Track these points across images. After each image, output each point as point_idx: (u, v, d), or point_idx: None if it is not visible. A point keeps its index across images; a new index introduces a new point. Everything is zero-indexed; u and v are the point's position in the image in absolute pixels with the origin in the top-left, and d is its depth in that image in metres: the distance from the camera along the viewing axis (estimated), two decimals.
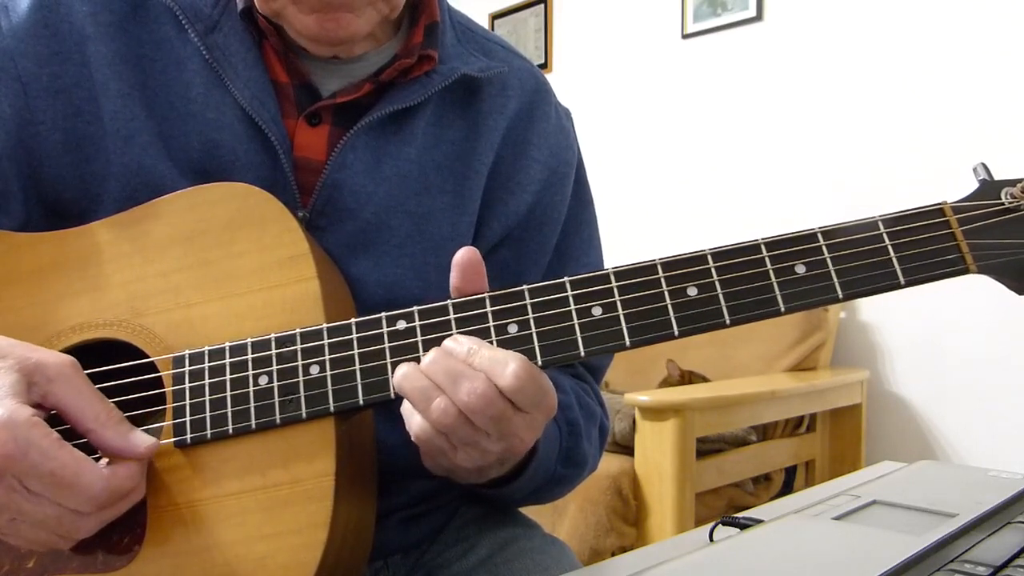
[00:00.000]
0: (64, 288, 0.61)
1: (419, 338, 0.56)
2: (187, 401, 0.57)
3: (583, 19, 3.17)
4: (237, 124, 0.66)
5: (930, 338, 2.30)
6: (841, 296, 0.53)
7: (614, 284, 0.55)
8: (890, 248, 0.53)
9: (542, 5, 3.28)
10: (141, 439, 0.53)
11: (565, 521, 1.82)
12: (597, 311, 0.54)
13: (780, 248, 0.54)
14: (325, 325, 0.57)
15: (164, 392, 0.58)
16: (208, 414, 0.57)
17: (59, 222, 0.65)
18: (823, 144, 2.50)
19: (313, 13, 0.63)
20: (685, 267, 0.54)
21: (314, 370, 0.56)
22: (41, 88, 0.65)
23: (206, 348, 0.58)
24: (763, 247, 0.54)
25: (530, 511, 0.81)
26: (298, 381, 0.56)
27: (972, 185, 0.55)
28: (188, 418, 0.57)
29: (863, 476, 0.72)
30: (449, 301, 0.56)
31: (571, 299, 0.55)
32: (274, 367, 0.57)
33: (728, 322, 0.54)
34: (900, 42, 2.34)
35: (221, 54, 0.67)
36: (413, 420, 0.54)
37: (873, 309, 2.45)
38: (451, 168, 0.72)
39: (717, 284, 0.54)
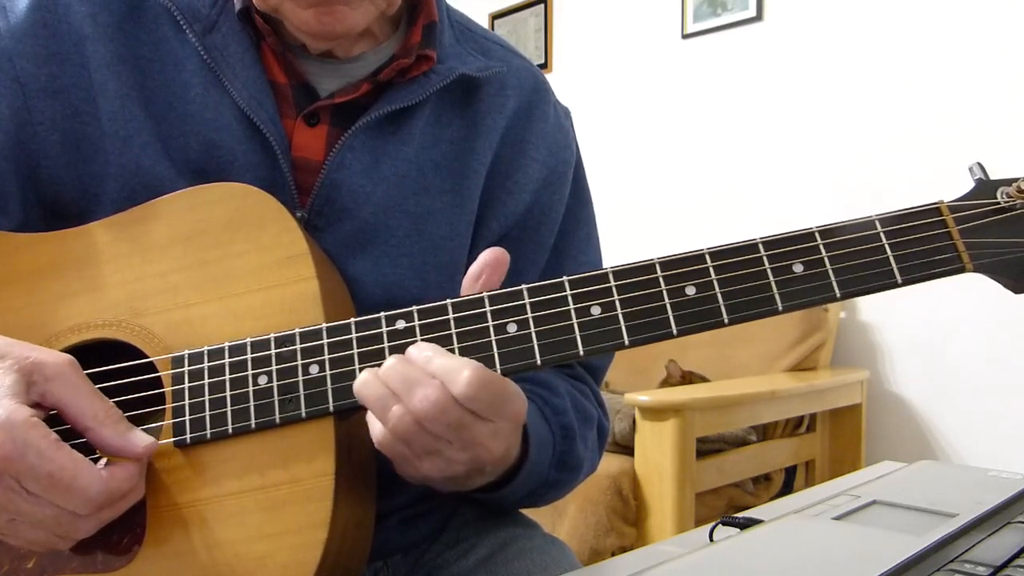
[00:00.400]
0: (63, 288, 0.61)
1: (418, 337, 0.56)
2: (186, 401, 0.57)
3: (583, 19, 3.17)
4: (235, 124, 0.66)
5: (930, 338, 2.30)
6: (838, 295, 0.53)
7: (613, 283, 0.55)
8: (887, 247, 0.53)
9: (542, 5, 3.28)
10: (139, 438, 0.53)
11: (565, 521, 1.82)
12: (596, 310, 0.55)
13: (778, 247, 0.54)
14: (324, 325, 0.57)
15: (163, 392, 0.58)
16: (207, 414, 0.57)
17: (57, 222, 0.65)
18: (822, 144, 2.50)
19: (311, 8, 0.63)
20: (683, 266, 0.54)
21: (313, 370, 0.56)
22: (39, 88, 0.65)
23: (205, 348, 0.58)
24: (761, 246, 0.54)
25: (530, 511, 0.81)
26: (297, 381, 0.56)
27: (968, 185, 0.55)
28: (187, 418, 0.57)
29: (863, 476, 0.72)
30: (448, 301, 0.56)
31: (570, 298, 0.55)
32: (273, 367, 0.57)
33: (726, 321, 0.54)
34: (900, 42, 2.34)
35: (219, 55, 0.67)
36: (374, 427, 0.54)
37: (873, 309, 2.45)
38: (450, 168, 0.72)
39: (715, 283, 0.54)
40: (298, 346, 0.57)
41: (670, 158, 2.87)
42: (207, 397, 0.57)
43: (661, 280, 0.54)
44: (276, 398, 0.56)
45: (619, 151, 2.99)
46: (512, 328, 0.55)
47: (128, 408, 0.58)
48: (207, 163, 0.66)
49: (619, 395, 1.98)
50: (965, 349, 2.22)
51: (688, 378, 2.25)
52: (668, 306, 0.54)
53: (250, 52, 0.67)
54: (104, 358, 0.60)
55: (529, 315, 0.55)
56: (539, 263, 0.77)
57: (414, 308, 0.56)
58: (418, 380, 0.52)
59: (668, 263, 0.55)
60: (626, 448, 1.92)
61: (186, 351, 0.58)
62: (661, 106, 2.90)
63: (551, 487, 0.71)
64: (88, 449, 0.52)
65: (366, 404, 0.54)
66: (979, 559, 0.40)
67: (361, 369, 0.56)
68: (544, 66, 3.24)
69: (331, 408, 0.56)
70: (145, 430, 0.55)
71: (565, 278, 0.55)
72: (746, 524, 0.59)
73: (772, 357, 2.36)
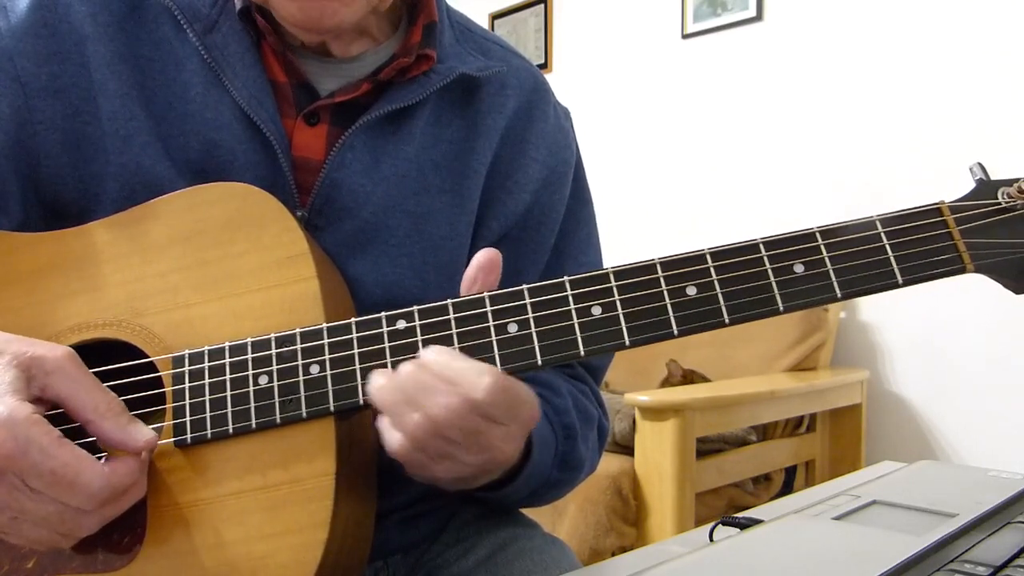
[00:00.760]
0: (63, 288, 0.61)
1: (419, 337, 0.56)
2: (187, 401, 0.57)
3: (583, 19, 3.17)
4: (235, 124, 0.66)
5: (930, 338, 2.30)
6: (839, 295, 0.53)
7: (613, 284, 0.55)
8: (888, 248, 0.53)
9: (542, 5, 3.28)
10: (141, 431, 0.53)
11: (565, 521, 1.82)
12: (597, 311, 0.55)
13: (779, 248, 0.54)
14: (325, 325, 0.57)
15: (164, 392, 0.58)
16: (208, 414, 0.57)
17: (57, 222, 0.65)
18: (822, 144, 2.50)
19: (295, 0, 0.62)
20: (684, 267, 0.54)
21: (314, 370, 0.56)
22: (40, 88, 0.65)
23: (206, 348, 0.58)
24: (762, 247, 0.54)
25: (530, 511, 0.81)
26: (298, 381, 0.56)
27: (969, 185, 0.55)
28: (188, 418, 0.57)
29: (863, 476, 0.72)
30: (449, 301, 0.56)
31: (571, 299, 0.55)
32: (274, 367, 0.57)
33: (727, 321, 0.54)
34: (900, 42, 2.34)
35: (219, 54, 0.67)
36: (391, 436, 0.54)
37: (873, 309, 2.45)
38: (450, 168, 0.72)
39: (716, 283, 0.54)
40: (299, 346, 0.57)
41: (670, 158, 2.87)
42: (208, 397, 0.57)
43: (662, 280, 0.54)
44: (277, 398, 0.56)
45: (619, 151, 2.99)
46: (513, 328, 0.55)
47: (129, 408, 0.58)
48: (207, 162, 0.66)
49: (619, 395, 1.98)
50: (965, 349, 2.22)
51: (689, 377, 2.25)
52: (669, 306, 0.54)
53: (250, 51, 0.67)
54: (104, 358, 0.60)
55: (530, 315, 0.55)
56: (539, 263, 0.77)
57: (415, 308, 0.56)
58: (436, 387, 0.52)
59: (669, 263, 0.55)
60: (626, 448, 1.92)
61: (186, 351, 0.58)
62: (661, 106, 2.90)
63: (553, 487, 0.71)
64: (90, 448, 0.52)
65: (382, 410, 0.54)
66: (979, 559, 0.40)
67: (362, 369, 0.56)
68: (544, 66, 3.24)
69: (332, 408, 0.56)
70: None
71: (566, 278, 0.55)
72: (746, 524, 0.59)
73: (772, 357, 2.36)
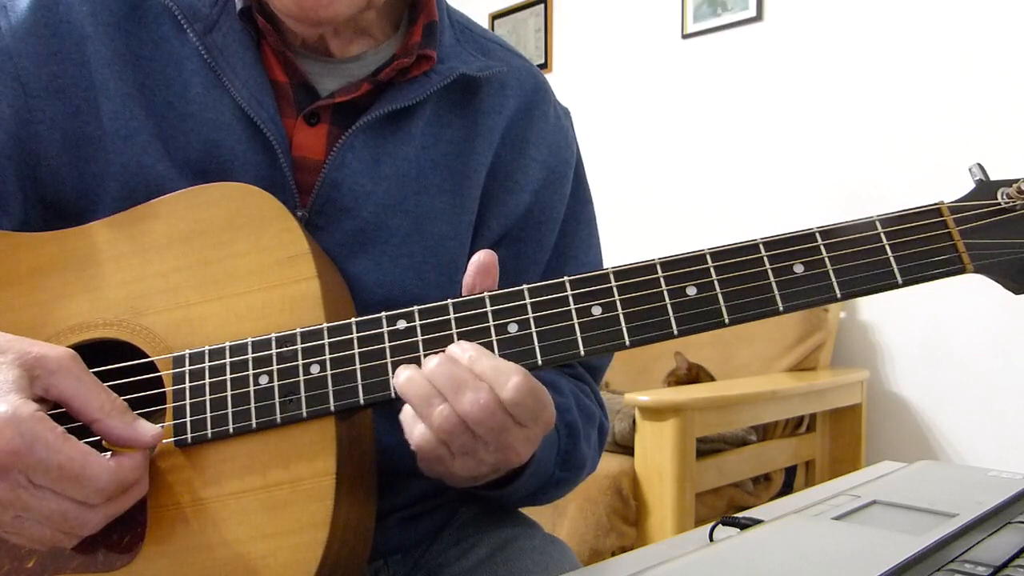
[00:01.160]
0: (63, 288, 0.62)
1: (419, 337, 0.56)
2: (187, 401, 0.57)
3: (583, 19, 3.17)
4: (236, 124, 0.66)
5: (930, 338, 2.30)
6: (839, 296, 0.53)
7: (613, 284, 0.55)
8: (888, 248, 0.53)
9: (542, 5, 3.28)
10: (146, 427, 0.54)
11: (565, 521, 1.82)
12: (597, 311, 0.55)
13: (779, 248, 0.54)
14: (325, 325, 0.57)
15: (164, 392, 0.58)
16: (208, 414, 0.57)
17: (58, 222, 0.65)
18: (822, 144, 2.50)
19: None
20: (684, 267, 0.54)
21: (314, 370, 0.56)
22: (40, 88, 0.65)
23: (206, 348, 0.58)
24: (762, 247, 0.54)
25: (530, 511, 0.81)
26: (298, 381, 0.56)
27: (969, 185, 0.55)
28: (188, 418, 0.57)
29: (863, 476, 0.72)
30: (449, 301, 0.56)
31: (571, 299, 0.55)
32: (274, 367, 0.57)
33: (727, 321, 0.54)
34: (899, 42, 2.34)
35: (220, 54, 0.67)
36: (416, 428, 0.54)
37: (873, 309, 2.45)
38: (450, 167, 0.72)
39: (716, 284, 0.54)
40: (299, 346, 0.57)
41: (670, 158, 2.87)
42: (208, 397, 0.57)
43: (662, 280, 0.54)
44: (277, 398, 0.56)
45: (619, 151, 2.99)
46: (513, 328, 0.55)
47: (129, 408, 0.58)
48: (208, 162, 0.66)
49: (619, 395, 1.98)
50: (965, 349, 2.22)
51: (695, 371, 2.25)
52: (669, 306, 0.54)
53: (250, 51, 0.67)
54: (105, 358, 0.60)
55: (530, 315, 0.55)
56: (539, 263, 0.77)
57: (415, 308, 0.56)
58: (466, 382, 0.52)
59: (669, 263, 0.55)
60: (626, 448, 1.92)
61: (187, 351, 0.58)
62: (661, 106, 2.90)
63: (555, 485, 0.71)
64: (92, 443, 0.52)
65: (409, 401, 0.54)
66: (979, 559, 0.41)
67: (363, 369, 0.56)
68: (544, 66, 3.24)
69: (332, 408, 0.56)
70: None
71: (566, 278, 0.55)
72: (746, 524, 0.59)
73: (772, 357, 2.36)
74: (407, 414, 0.55)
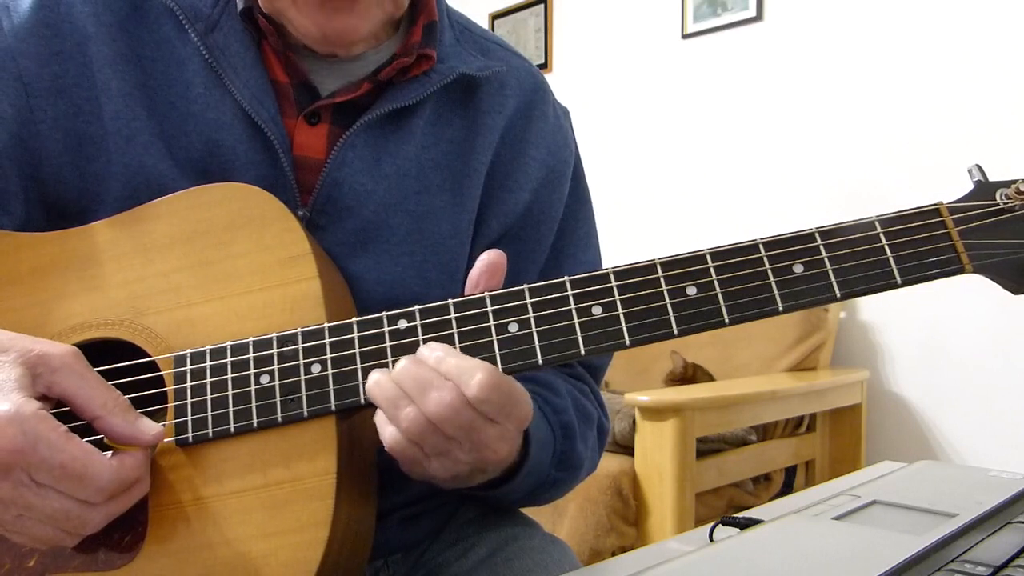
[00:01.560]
0: (65, 287, 0.62)
1: (420, 337, 0.56)
2: (188, 400, 0.57)
3: (583, 19, 3.17)
4: (237, 124, 0.66)
5: (930, 338, 2.30)
6: (839, 295, 0.53)
7: (614, 283, 0.55)
8: (887, 248, 0.53)
9: (542, 5, 3.28)
10: (148, 425, 0.54)
11: (565, 521, 1.82)
12: (597, 310, 0.55)
13: (778, 248, 0.54)
14: (327, 324, 0.57)
15: (166, 391, 0.58)
16: (210, 413, 0.57)
17: (60, 222, 0.66)
18: (822, 144, 2.50)
19: (315, 14, 0.63)
20: (684, 267, 0.55)
21: (315, 369, 0.56)
22: (42, 88, 0.65)
23: (207, 347, 0.58)
24: (761, 247, 0.54)
25: (530, 511, 0.81)
26: (299, 380, 0.56)
27: (968, 186, 0.55)
28: (190, 417, 0.57)
29: (863, 476, 0.72)
30: (450, 300, 0.57)
31: (571, 298, 0.55)
32: (276, 366, 0.57)
33: (727, 321, 0.54)
34: (899, 42, 2.34)
35: (221, 54, 0.67)
36: (386, 430, 0.55)
37: (873, 309, 2.45)
38: (450, 167, 0.72)
39: (716, 284, 0.54)
40: (300, 345, 0.57)
41: (670, 158, 2.87)
42: (209, 396, 0.57)
43: (662, 280, 0.54)
44: (278, 397, 0.56)
45: (619, 151, 2.99)
46: (513, 328, 0.55)
47: None
48: (209, 162, 0.66)
49: (619, 395, 1.98)
50: (965, 349, 2.22)
51: (691, 369, 2.26)
52: (669, 306, 0.54)
53: (251, 51, 0.68)
54: (106, 358, 0.60)
55: (530, 315, 0.55)
56: (538, 262, 0.77)
57: (416, 308, 0.57)
58: (431, 382, 0.52)
59: (669, 263, 0.55)
60: (626, 448, 1.92)
61: (188, 350, 0.58)
62: (661, 106, 2.90)
63: (552, 486, 0.71)
64: (94, 442, 0.52)
65: (378, 405, 0.54)
66: (979, 559, 0.41)
67: (364, 369, 0.56)
68: (544, 66, 3.24)
69: (333, 407, 0.56)
70: None
71: (566, 278, 0.55)
72: (746, 524, 0.59)
73: (772, 357, 2.36)
74: (379, 417, 0.55)
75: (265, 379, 0.57)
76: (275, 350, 0.57)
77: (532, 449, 0.64)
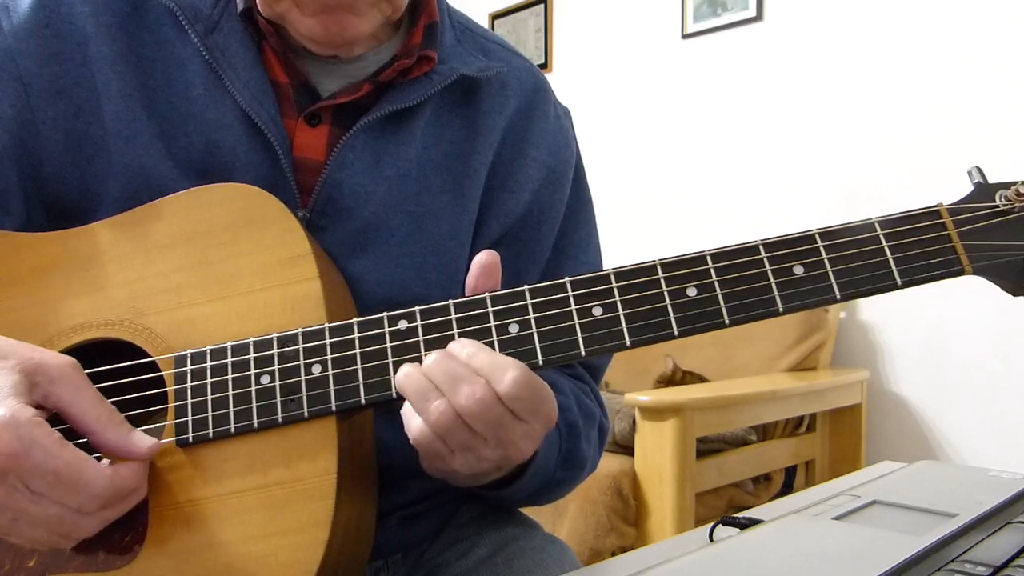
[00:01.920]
0: (65, 288, 0.62)
1: (420, 338, 0.56)
2: (189, 400, 0.57)
3: (583, 19, 3.17)
4: (237, 124, 0.66)
5: (930, 338, 2.30)
6: (839, 297, 0.53)
7: (614, 284, 0.55)
8: (887, 249, 0.53)
9: (542, 5, 3.28)
10: (142, 440, 0.54)
11: (565, 521, 1.82)
12: (597, 311, 0.55)
13: (779, 249, 0.54)
14: (327, 325, 0.57)
15: (166, 392, 0.58)
16: (210, 413, 0.57)
17: (60, 222, 0.66)
18: (822, 145, 2.50)
19: (316, 15, 0.63)
20: (685, 268, 0.55)
21: (316, 369, 0.57)
22: (42, 88, 0.65)
23: (208, 348, 0.58)
24: (762, 248, 0.54)
25: (530, 511, 0.81)
26: (300, 380, 0.56)
27: (967, 188, 0.55)
28: (190, 417, 0.57)
29: (863, 476, 0.72)
30: (451, 301, 0.57)
31: (572, 299, 0.55)
32: (276, 366, 0.57)
33: (727, 322, 0.54)
34: (899, 42, 2.34)
35: (221, 55, 0.67)
36: (413, 422, 0.55)
37: (873, 309, 2.45)
38: (450, 168, 0.72)
39: (716, 285, 0.54)
40: (300, 346, 0.57)
41: (670, 158, 2.87)
42: (209, 397, 0.57)
43: (662, 281, 0.55)
44: (278, 398, 0.56)
45: (619, 151, 2.99)
46: (514, 328, 0.55)
47: (131, 407, 0.58)
48: (209, 163, 0.66)
49: (619, 395, 1.98)
50: (965, 349, 2.23)
51: (679, 374, 2.26)
52: (669, 307, 0.54)
53: (251, 52, 0.68)
54: (106, 358, 0.60)
55: (531, 315, 0.55)
56: (539, 262, 0.77)
57: (416, 308, 0.57)
58: (463, 376, 0.52)
59: (669, 264, 0.55)
60: (626, 448, 1.92)
61: (189, 351, 0.58)
62: (661, 106, 2.90)
63: (556, 485, 0.71)
64: (90, 449, 0.52)
65: (406, 395, 0.54)
66: (979, 559, 0.41)
67: (364, 369, 0.56)
68: (544, 66, 3.24)
69: (333, 408, 0.56)
70: (147, 430, 0.55)
71: (567, 279, 0.56)
72: (746, 524, 0.59)
73: (772, 357, 2.36)
74: (406, 409, 0.55)
75: (266, 379, 0.57)
76: (276, 350, 0.57)
77: (540, 448, 0.64)
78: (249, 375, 0.57)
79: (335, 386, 0.56)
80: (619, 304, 0.55)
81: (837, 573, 0.40)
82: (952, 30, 2.24)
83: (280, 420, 0.56)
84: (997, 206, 0.53)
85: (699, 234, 2.74)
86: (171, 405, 0.58)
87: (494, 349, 0.55)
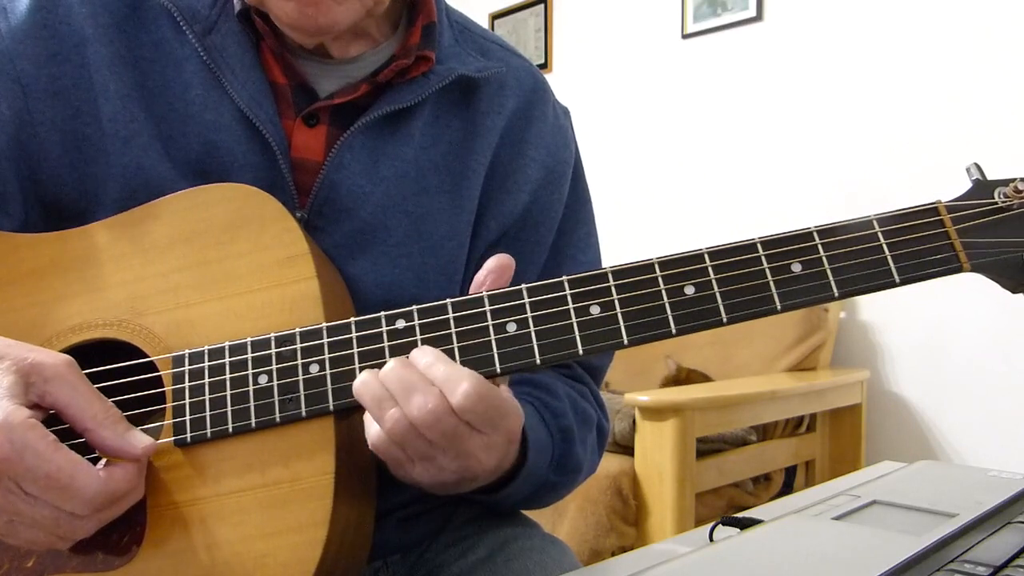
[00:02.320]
0: (64, 288, 0.62)
1: (418, 337, 0.56)
2: (187, 400, 0.57)
3: (583, 19, 3.17)
4: (235, 125, 0.66)
5: (930, 338, 2.30)
6: (837, 294, 0.53)
7: (612, 283, 0.55)
8: (885, 247, 0.53)
9: (542, 5, 3.28)
10: (139, 439, 0.53)
11: (565, 521, 1.82)
12: (595, 310, 0.55)
13: (776, 247, 0.54)
14: (325, 324, 0.57)
15: (164, 392, 0.58)
16: (208, 413, 0.57)
17: (58, 223, 0.65)
18: (822, 144, 2.50)
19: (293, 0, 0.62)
20: (682, 266, 0.54)
21: (314, 369, 0.56)
22: (40, 89, 0.65)
23: (206, 347, 0.58)
24: (759, 246, 0.54)
25: (530, 511, 0.81)
26: (298, 380, 0.56)
27: (966, 185, 0.55)
28: (188, 417, 0.57)
29: (863, 476, 0.72)
30: (448, 300, 0.56)
31: (569, 298, 0.55)
32: (274, 366, 0.57)
33: (725, 320, 0.54)
34: (899, 42, 2.34)
35: (219, 55, 0.67)
36: (371, 429, 0.55)
37: (873, 309, 2.45)
38: (449, 168, 0.72)
39: (714, 283, 0.54)
40: (298, 345, 0.57)
41: (670, 158, 2.87)
42: (207, 396, 0.57)
43: (660, 280, 0.54)
44: (276, 397, 0.56)
45: (619, 151, 2.99)
46: (512, 327, 0.55)
47: (128, 407, 0.58)
48: (207, 163, 0.66)
49: (619, 395, 1.98)
50: (965, 349, 2.22)
51: (686, 376, 2.25)
52: (667, 306, 0.54)
53: (249, 53, 0.67)
54: (105, 358, 0.60)
55: (528, 314, 0.55)
56: (538, 262, 0.77)
57: (414, 308, 0.57)
58: (416, 386, 0.52)
59: (667, 263, 0.55)
60: (626, 448, 1.92)
61: (186, 350, 0.58)
62: (661, 106, 2.90)
63: (550, 489, 0.71)
64: (87, 451, 0.52)
65: (363, 404, 0.54)
66: (979, 559, 0.40)
67: (361, 369, 0.56)
68: (544, 66, 3.24)
69: (331, 407, 0.56)
70: (145, 429, 0.55)
71: (564, 278, 0.55)
72: (746, 524, 0.59)
73: (772, 357, 2.36)
74: (367, 415, 0.55)
75: (263, 379, 0.57)
76: (273, 350, 0.57)
77: (530, 454, 0.64)
78: (247, 375, 0.57)
79: (333, 385, 0.56)
80: (617, 303, 0.54)
81: (837, 573, 0.40)
82: (952, 30, 2.24)
83: (278, 420, 0.56)
84: (996, 203, 0.53)
85: (699, 234, 2.74)
86: (169, 405, 0.58)
87: (492, 348, 0.55)
